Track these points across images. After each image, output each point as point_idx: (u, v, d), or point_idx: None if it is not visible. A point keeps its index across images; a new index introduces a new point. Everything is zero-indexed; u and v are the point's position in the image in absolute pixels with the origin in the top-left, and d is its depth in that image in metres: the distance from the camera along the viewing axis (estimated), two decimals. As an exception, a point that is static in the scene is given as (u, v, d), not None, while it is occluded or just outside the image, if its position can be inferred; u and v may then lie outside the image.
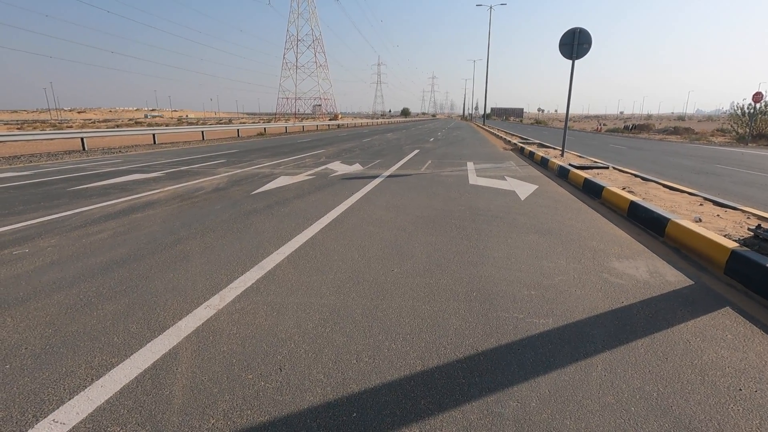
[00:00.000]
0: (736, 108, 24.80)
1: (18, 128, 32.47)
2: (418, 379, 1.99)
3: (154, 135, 19.18)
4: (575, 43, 9.87)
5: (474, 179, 8.19)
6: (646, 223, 4.70)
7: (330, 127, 43.28)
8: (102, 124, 51.06)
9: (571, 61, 10.16)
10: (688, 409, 1.79)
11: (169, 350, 2.22)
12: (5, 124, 47.53)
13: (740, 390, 1.91)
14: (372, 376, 2.01)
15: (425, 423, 1.71)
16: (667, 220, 4.26)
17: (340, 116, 77.32)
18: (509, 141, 19.67)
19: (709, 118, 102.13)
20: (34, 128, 32.09)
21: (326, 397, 1.86)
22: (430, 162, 11.33)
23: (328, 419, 1.73)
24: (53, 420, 1.72)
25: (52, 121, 62.77)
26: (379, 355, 2.18)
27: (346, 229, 4.57)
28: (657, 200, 5.62)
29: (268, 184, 7.54)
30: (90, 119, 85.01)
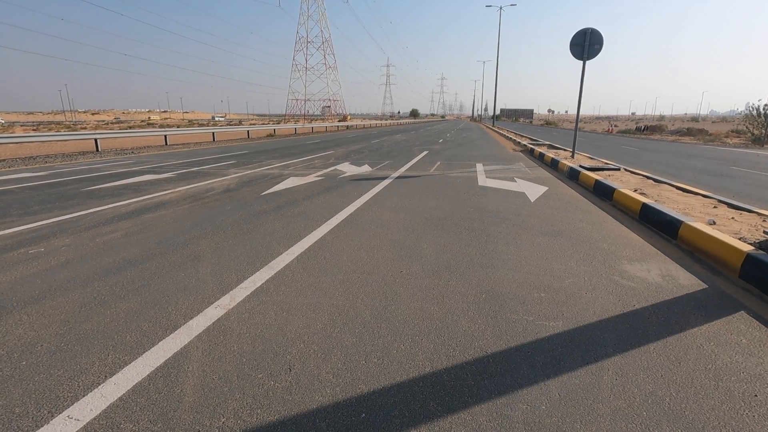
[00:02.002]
0: (751, 109, 24.32)
1: (34, 129, 33.12)
2: (427, 380, 1.98)
3: (165, 136, 19.42)
4: (586, 44, 9.78)
5: (483, 181, 8.16)
6: (658, 226, 4.64)
7: (339, 128, 43.44)
8: (115, 125, 51.86)
9: (582, 62, 10.07)
10: (701, 415, 1.76)
11: (181, 349, 2.24)
12: (21, 126, 48.58)
13: (755, 396, 1.88)
14: (381, 376, 2.01)
15: (434, 424, 1.71)
16: (680, 222, 4.20)
17: (349, 117, 77.54)
18: (519, 142, 19.55)
19: (724, 119, 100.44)
20: (50, 129, 32.70)
21: (335, 398, 1.86)
22: (439, 163, 11.31)
23: (337, 419, 1.73)
24: (68, 416, 1.75)
25: (67, 123, 63.91)
26: (387, 356, 2.18)
27: (355, 230, 4.58)
28: (670, 202, 5.54)
29: (277, 185, 7.59)
30: (103, 120, 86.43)
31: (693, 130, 33.01)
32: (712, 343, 2.31)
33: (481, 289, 3.02)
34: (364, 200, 6.18)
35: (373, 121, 62.41)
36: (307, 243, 4.08)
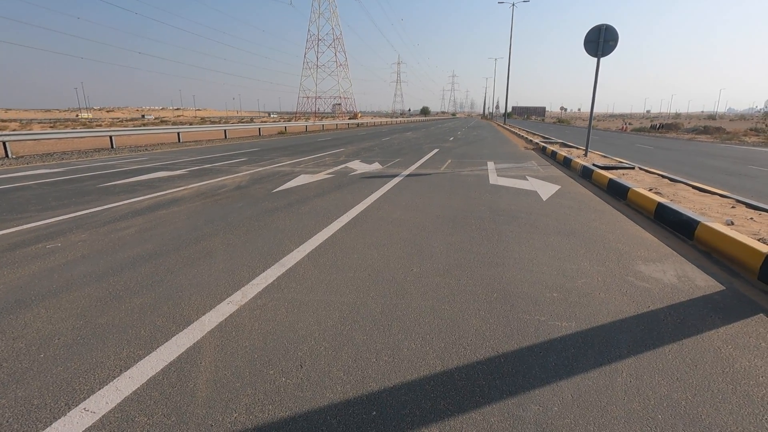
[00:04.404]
0: (771, 106, 23.68)
1: (51, 127, 33.78)
2: (438, 379, 1.98)
3: (178, 133, 19.65)
4: (601, 40, 9.64)
5: (494, 179, 8.10)
6: (674, 226, 4.56)
7: (349, 126, 43.47)
8: (129, 122, 52.64)
9: (596, 59, 9.92)
10: (719, 419, 1.72)
11: (194, 344, 2.27)
12: (39, 123, 49.60)
13: (775, 401, 1.83)
14: (391, 375, 2.01)
15: (445, 424, 1.70)
16: (697, 222, 4.12)
17: (359, 115, 77.68)
18: (531, 140, 19.37)
19: (742, 117, 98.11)
20: (66, 127, 33.32)
21: (346, 395, 1.87)
22: (449, 161, 11.26)
23: (348, 416, 1.74)
24: (84, 409, 1.78)
25: (83, 120, 65.04)
26: (398, 354, 2.18)
27: (365, 227, 4.58)
28: (686, 202, 5.44)
29: (288, 183, 7.63)
30: (118, 118, 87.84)
31: (710, 128, 32.29)
32: (730, 346, 2.26)
33: (493, 288, 3.00)
34: (374, 198, 6.18)
35: (384, 119, 62.35)
36: (317, 240, 4.09)
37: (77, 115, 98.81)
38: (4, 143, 12.43)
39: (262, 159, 11.84)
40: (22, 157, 12.63)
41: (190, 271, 3.32)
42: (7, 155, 12.36)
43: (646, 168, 9.03)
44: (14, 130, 25.79)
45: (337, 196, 6.37)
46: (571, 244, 4.03)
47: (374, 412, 1.76)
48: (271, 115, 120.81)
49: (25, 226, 4.68)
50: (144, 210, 5.48)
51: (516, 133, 28.10)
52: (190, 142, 19.48)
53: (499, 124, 52.71)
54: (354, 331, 2.41)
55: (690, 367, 2.07)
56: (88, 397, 1.85)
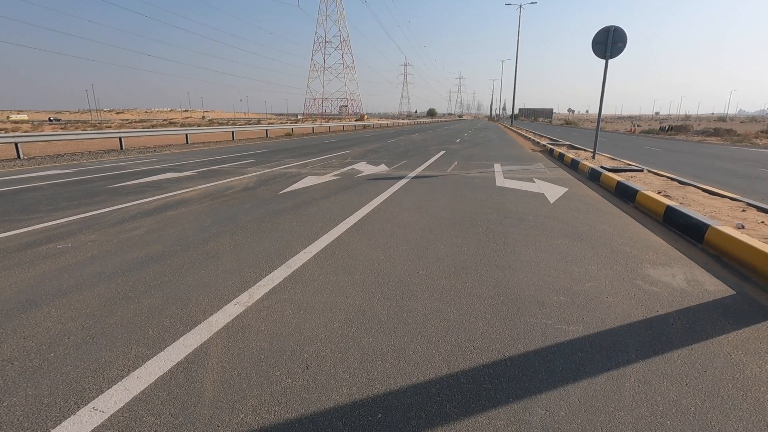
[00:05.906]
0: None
1: (62, 128, 34.22)
2: (444, 382, 1.97)
3: (186, 135, 19.81)
4: (609, 42, 9.57)
5: (501, 181, 8.07)
6: (683, 229, 4.51)
7: (356, 127, 43.56)
8: (138, 124, 53.18)
9: (604, 61, 9.86)
10: (728, 426, 1.70)
11: (201, 345, 2.29)
12: (50, 124, 50.29)
13: (787, 408, 1.81)
14: (397, 377, 2.01)
15: (451, 427, 1.70)
16: (707, 226, 4.07)
17: (366, 117, 77.82)
18: (538, 142, 19.27)
19: (753, 119, 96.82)
20: (77, 128, 33.74)
21: (352, 397, 1.87)
22: (456, 163, 11.24)
23: (353, 419, 1.74)
24: (93, 408, 1.80)
25: (93, 122, 65.88)
26: (404, 356, 2.18)
27: (371, 229, 4.58)
28: (695, 205, 5.38)
29: (295, 184, 7.66)
30: (127, 120, 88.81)
31: (720, 130, 31.87)
32: (740, 352, 2.23)
33: (499, 291, 2.98)
34: (381, 200, 6.19)
35: (390, 121, 62.42)
36: (324, 242, 4.10)
37: (8, 117, 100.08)
38: (16, 144, 12.62)
39: (269, 160, 11.90)
40: (34, 158, 12.82)
41: (197, 272, 3.35)
42: (18, 156, 12.55)
43: (655, 170, 8.94)
44: (26, 131, 26.18)
45: (343, 197, 6.39)
46: (578, 247, 4.00)
47: (380, 415, 1.76)
48: (298, 117, 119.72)
49: (36, 227, 4.74)
50: (152, 211, 5.54)
51: (523, 135, 27.98)
52: (198, 143, 19.63)
53: (506, 126, 52.53)
54: (360, 333, 2.41)
55: (699, 373, 2.05)
56: (98, 396, 1.88)
